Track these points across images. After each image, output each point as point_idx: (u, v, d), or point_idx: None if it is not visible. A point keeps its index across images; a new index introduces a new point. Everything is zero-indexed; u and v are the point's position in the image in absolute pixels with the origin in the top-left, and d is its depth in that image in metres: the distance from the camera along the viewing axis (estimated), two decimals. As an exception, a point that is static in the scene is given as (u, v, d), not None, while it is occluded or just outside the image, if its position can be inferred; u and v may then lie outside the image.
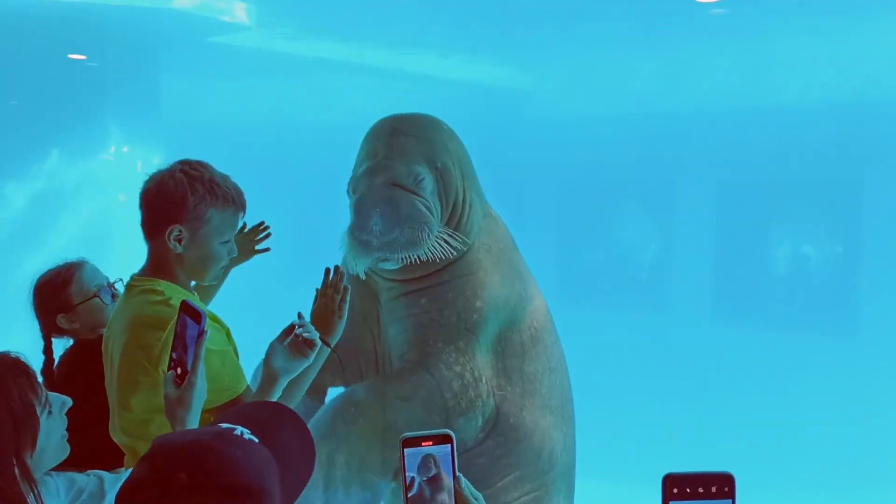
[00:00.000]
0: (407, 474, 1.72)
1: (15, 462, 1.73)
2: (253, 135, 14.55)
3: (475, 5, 9.80)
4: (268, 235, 3.28)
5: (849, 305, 11.22)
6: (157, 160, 10.11)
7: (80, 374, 2.87)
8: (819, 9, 9.58)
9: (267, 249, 3.28)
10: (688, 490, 1.45)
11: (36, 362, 3.00)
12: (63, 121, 9.98)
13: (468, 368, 3.31)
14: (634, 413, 10.64)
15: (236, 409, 1.63)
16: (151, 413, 2.48)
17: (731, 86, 11.55)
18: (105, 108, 10.10)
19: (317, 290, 2.76)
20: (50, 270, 3.09)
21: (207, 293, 3.16)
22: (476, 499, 1.78)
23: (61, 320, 3.01)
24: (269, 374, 2.42)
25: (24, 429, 1.77)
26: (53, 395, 1.89)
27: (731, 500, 1.46)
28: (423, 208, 3.13)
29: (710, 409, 10.76)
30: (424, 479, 1.73)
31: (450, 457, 1.74)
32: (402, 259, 3.12)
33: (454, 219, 3.33)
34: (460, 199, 3.31)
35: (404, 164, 3.17)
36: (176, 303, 2.46)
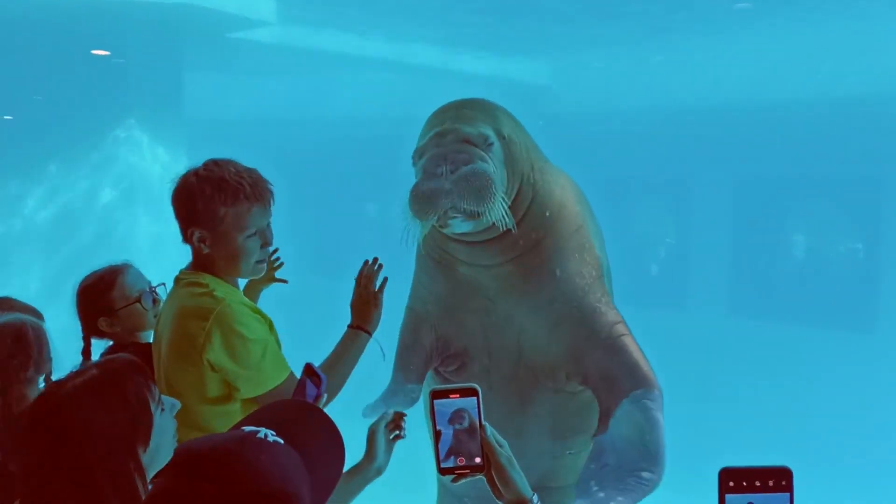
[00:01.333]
0: (437, 425, 1.85)
1: (130, 456, 1.81)
2: (276, 130, 14.64)
3: (491, 0, 9.81)
4: (280, 265, 3.25)
5: (866, 300, 11.17)
6: (180, 154, 10.20)
7: None
8: (844, 2, 9.53)
9: (285, 281, 3.26)
10: (744, 483, 1.44)
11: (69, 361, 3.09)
12: (86, 116, 10.06)
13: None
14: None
15: (261, 409, 1.63)
16: (199, 403, 2.56)
17: (751, 80, 11.50)
18: (128, 104, 10.17)
19: (356, 279, 2.78)
20: (94, 273, 3.11)
21: (255, 292, 3.21)
22: (501, 445, 1.87)
23: (102, 323, 3.05)
24: (377, 469, 2.26)
25: (140, 424, 1.84)
26: (165, 397, 1.96)
27: (788, 494, 1.46)
28: (491, 165, 3.04)
29: (725, 404, 10.77)
30: (456, 428, 1.84)
31: (476, 407, 1.85)
32: (470, 212, 2.96)
33: (528, 188, 3.23)
34: (528, 169, 3.24)
35: (473, 127, 3.11)
36: (220, 294, 2.56)
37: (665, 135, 12.25)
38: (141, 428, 1.84)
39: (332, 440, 1.57)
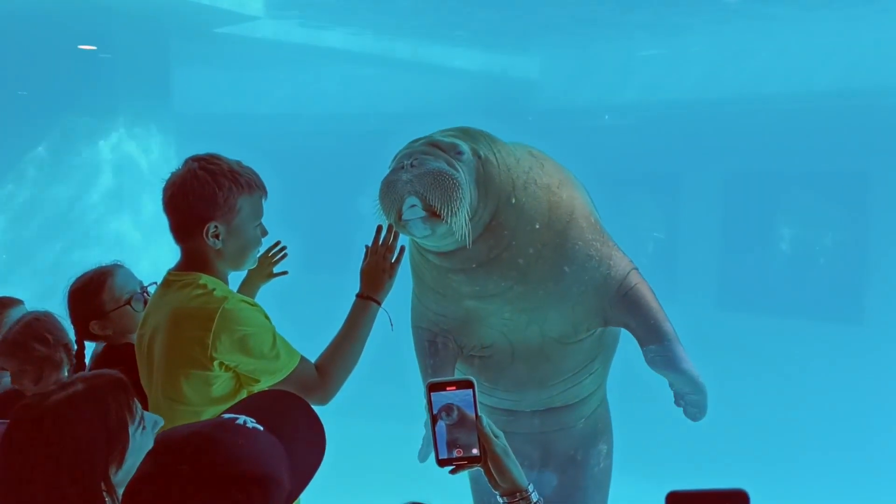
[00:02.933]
0: (435, 418, 1.87)
1: (101, 474, 1.81)
2: (265, 125, 14.61)
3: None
4: (284, 256, 3.21)
5: (855, 292, 11.24)
6: (169, 150, 10.16)
7: None
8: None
9: (284, 273, 3.21)
10: None
11: None
12: (73, 111, 9.99)
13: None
14: (636, 403, 10.69)
15: (243, 400, 1.66)
16: (204, 405, 2.53)
17: (739, 75, 11.55)
18: (115, 99, 10.12)
19: (366, 246, 2.75)
20: (84, 275, 3.07)
21: (253, 288, 3.19)
22: (497, 436, 1.90)
23: (94, 327, 3.01)
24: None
25: (115, 443, 1.84)
26: (147, 414, 1.96)
27: None
28: (460, 174, 3.06)
29: (715, 397, 10.81)
30: (450, 423, 1.86)
31: (472, 400, 1.87)
32: (431, 207, 2.99)
33: (510, 210, 3.27)
34: (508, 190, 3.27)
35: (446, 137, 3.20)
36: (219, 294, 2.52)
37: (653, 129, 12.29)
38: (116, 447, 1.84)
39: (313, 428, 1.58)
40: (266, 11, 9.80)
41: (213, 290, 2.54)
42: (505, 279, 3.30)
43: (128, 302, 3.02)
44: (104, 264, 3.11)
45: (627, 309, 3.49)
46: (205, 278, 2.59)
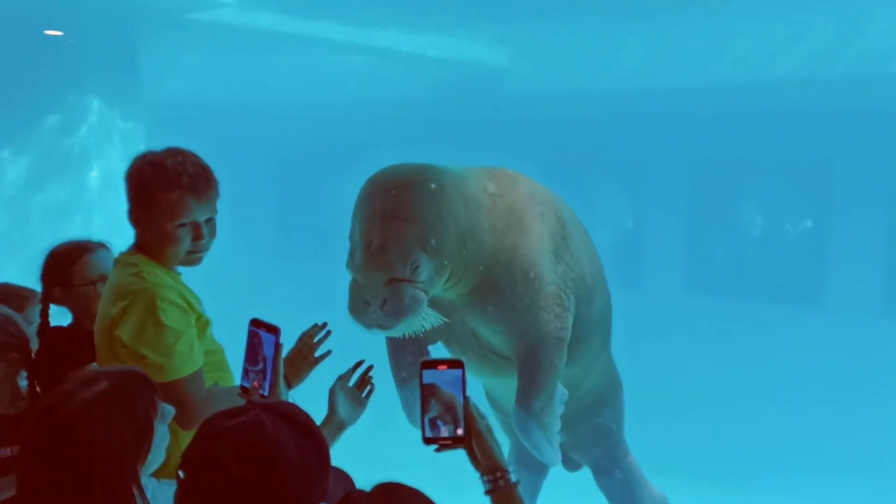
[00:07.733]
0: (425, 396, 1.95)
1: (132, 475, 1.80)
2: (234, 112, 14.50)
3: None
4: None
5: (815, 277, 11.41)
6: (137, 138, 10.09)
7: (58, 361, 2.98)
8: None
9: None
10: None
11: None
12: (40, 97, 9.88)
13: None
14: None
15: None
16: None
17: (709, 62, 11.64)
18: (83, 85, 10.01)
19: (301, 335, 2.80)
20: (69, 242, 3.19)
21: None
22: (482, 416, 1.98)
23: (56, 292, 3.10)
24: (338, 423, 2.48)
25: (144, 442, 1.83)
26: (162, 404, 1.93)
27: None
28: (421, 293, 3.29)
29: (681, 382, 10.95)
30: (443, 406, 1.94)
31: (461, 380, 1.94)
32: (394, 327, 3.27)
33: (460, 262, 3.46)
34: (459, 249, 3.43)
35: (400, 255, 3.22)
36: (146, 275, 2.61)
37: (622, 116, 12.35)
38: (144, 446, 1.83)
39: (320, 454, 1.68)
40: (237, -3, 9.75)
41: (142, 270, 2.63)
42: (447, 315, 3.49)
43: (92, 282, 3.08)
44: (92, 240, 3.22)
45: (521, 366, 3.69)
46: (142, 259, 2.68)
